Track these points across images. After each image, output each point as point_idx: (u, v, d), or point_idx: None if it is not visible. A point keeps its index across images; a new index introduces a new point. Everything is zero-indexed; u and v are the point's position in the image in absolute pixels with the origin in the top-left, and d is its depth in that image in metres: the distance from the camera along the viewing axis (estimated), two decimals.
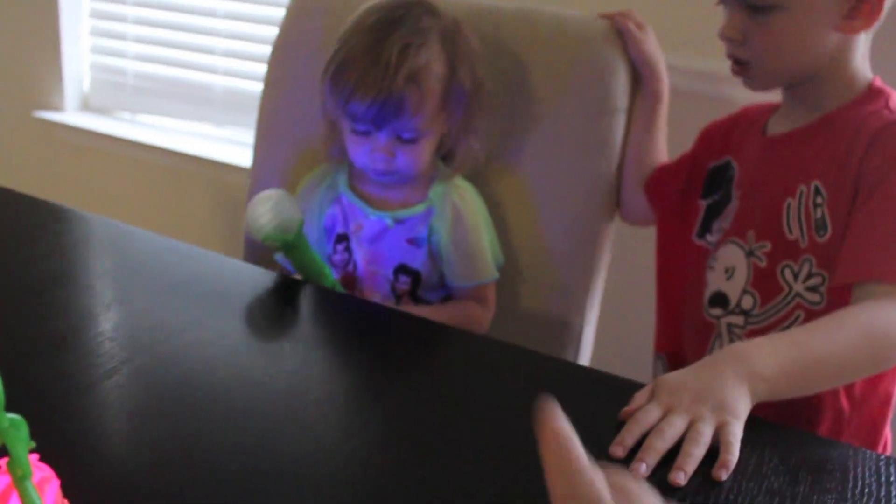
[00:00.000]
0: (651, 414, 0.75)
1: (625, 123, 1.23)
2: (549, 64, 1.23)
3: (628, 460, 0.71)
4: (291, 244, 1.06)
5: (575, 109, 1.22)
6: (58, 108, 2.36)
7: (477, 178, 1.23)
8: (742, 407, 0.76)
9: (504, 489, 0.67)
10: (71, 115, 2.36)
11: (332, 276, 1.12)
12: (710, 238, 1.11)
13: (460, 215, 1.18)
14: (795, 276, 0.99)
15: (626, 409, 0.78)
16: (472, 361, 0.91)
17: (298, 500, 0.65)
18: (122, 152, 2.26)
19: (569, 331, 1.24)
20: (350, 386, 0.85)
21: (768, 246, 1.02)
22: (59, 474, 0.50)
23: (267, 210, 1.05)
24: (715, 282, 1.08)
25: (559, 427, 0.40)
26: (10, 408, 0.43)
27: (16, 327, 0.88)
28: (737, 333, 1.04)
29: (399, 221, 1.17)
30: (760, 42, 1.00)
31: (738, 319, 1.04)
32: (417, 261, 1.17)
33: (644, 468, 0.70)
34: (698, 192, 1.15)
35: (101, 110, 2.38)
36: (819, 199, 0.98)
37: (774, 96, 1.10)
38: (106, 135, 2.27)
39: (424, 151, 1.13)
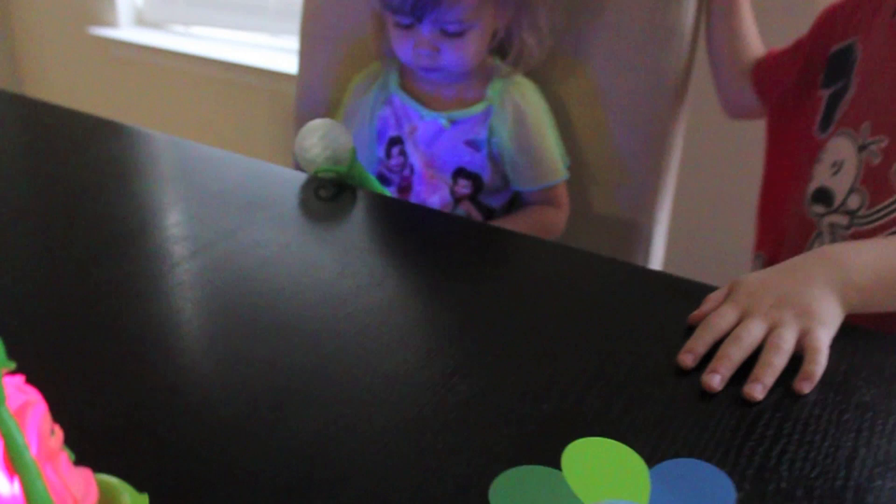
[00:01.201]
0: (726, 318, 0.67)
1: (695, 10, 1.13)
2: None
3: (699, 370, 0.64)
4: (346, 174, 0.99)
5: None
6: (112, 23, 2.32)
7: (538, 76, 1.15)
8: (830, 315, 0.67)
9: (572, 396, 0.61)
10: (125, 31, 2.32)
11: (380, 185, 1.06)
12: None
13: (522, 114, 1.10)
14: None
15: (697, 311, 0.70)
16: (531, 268, 0.84)
17: (340, 410, 0.60)
18: (177, 66, 2.22)
19: (637, 232, 1.16)
20: (408, 294, 0.79)
21: (885, 141, 0.90)
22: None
23: (317, 141, 0.98)
24: (820, 176, 0.97)
25: None
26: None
27: (72, 231, 0.86)
28: (840, 235, 0.93)
29: (455, 122, 1.10)
30: None
31: (843, 219, 0.93)
32: (477, 163, 1.11)
33: (717, 380, 0.62)
34: (818, 81, 1.03)
35: (154, 24, 2.33)
36: None
37: None
38: (160, 49, 2.23)
39: (471, 46, 1.05)
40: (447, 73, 1.07)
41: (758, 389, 0.61)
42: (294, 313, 0.72)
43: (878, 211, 0.90)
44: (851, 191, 0.92)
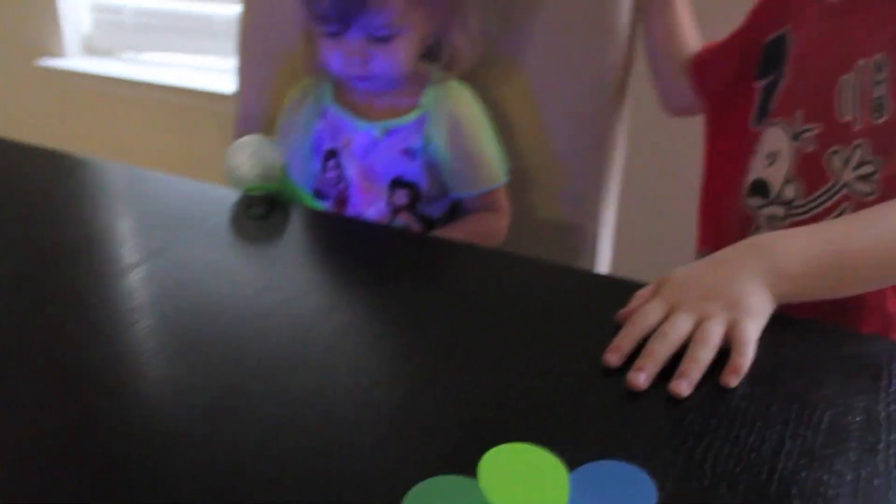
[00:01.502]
0: (652, 313, 0.66)
1: (631, 7, 1.12)
2: None
3: (626, 369, 0.62)
4: (277, 191, 0.98)
5: None
6: (59, 53, 2.30)
7: (472, 80, 1.13)
8: (759, 305, 0.66)
9: (495, 403, 0.60)
10: (73, 60, 2.29)
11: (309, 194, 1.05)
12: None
13: (457, 120, 1.09)
14: (845, 163, 0.86)
15: (625, 309, 0.69)
16: (474, 273, 0.82)
17: (302, 433, 0.58)
18: (126, 92, 2.19)
19: (582, 237, 1.15)
20: (338, 304, 0.77)
21: (818, 128, 0.89)
22: None
23: (246, 159, 0.96)
24: (756, 168, 0.96)
25: None
26: None
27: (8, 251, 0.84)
28: (778, 226, 0.92)
29: (390, 131, 1.08)
30: None
31: (779, 210, 0.92)
32: (414, 172, 1.09)
33: (643, 378, 0.60)
34: (752, 72, 1.01)
35: (103, 52, 2.31)
36: (880, 76, 0.83)
37: None
38: (109, 77, 2.20)
39: (401, 51, 1.03)
40: (379, 80, 1.06)
41: (683, 386, 0.60)
42: (219, 329, 0.70)
43: (814, 200, 0.89)
44: (787, 181, 0.91)
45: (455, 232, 1.09)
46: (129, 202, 1.00)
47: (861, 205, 0.84)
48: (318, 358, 0.67)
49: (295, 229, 0.95)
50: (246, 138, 0.99)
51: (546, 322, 0.71)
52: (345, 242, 0.91)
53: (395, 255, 0.87)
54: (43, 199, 0.99)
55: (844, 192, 0.86)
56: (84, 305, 0.75)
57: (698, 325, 0.64)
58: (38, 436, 0.58)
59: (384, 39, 1.02)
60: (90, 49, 2.32)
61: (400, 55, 1.04)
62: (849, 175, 0.86)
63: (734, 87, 1.04)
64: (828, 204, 0.87)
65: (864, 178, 0.85)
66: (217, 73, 2.12)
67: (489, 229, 1.12)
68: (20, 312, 0.74)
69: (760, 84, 1.00)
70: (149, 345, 0.69)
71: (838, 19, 0.90)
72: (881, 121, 0.83)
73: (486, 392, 0.61)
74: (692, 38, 1.12)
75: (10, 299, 0.77)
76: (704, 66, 1.09)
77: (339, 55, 1.03)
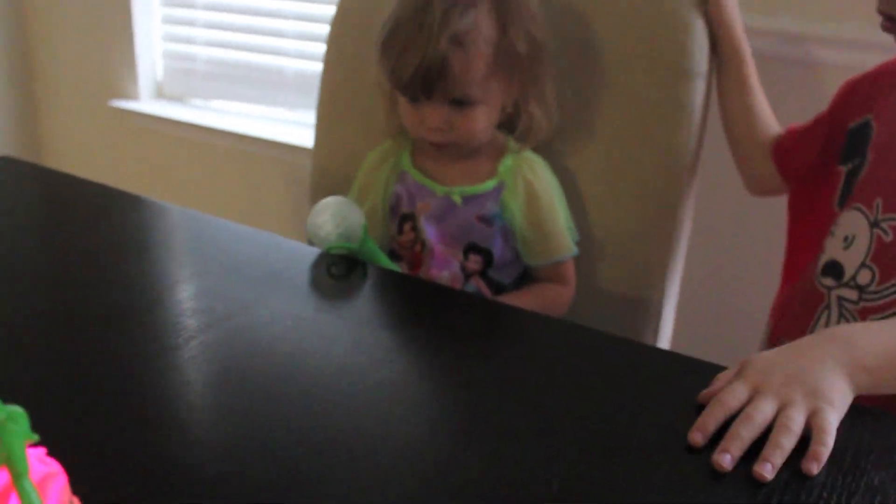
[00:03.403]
0: (736, 395, 0.68)
1: (705, 88, 1.15)
2: (619, 25, 1.16)
3: (709, 449, 0.64)
4: (358, 251, 1.01)
5: (648, 73, 1.15)
6: (132, 96, 2.37)
7: (546, 151, 1.17)
8: (839, 395, 0.68)
9: (578, 474, 0.62)
10: (145, 104, 2.36)
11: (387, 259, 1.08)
12: None
13: (533, 190, 1.12)
14: None
15: (708, 390, 0.71)
16: (539, 345, 0.85)
17: (350, 484, 0.60)
18: (194, 138, 2.26)
19: (647, 309, 1.17)
20: (410, 370, 0.80)
21: None
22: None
23: (328, 219, 1.01)
24: (832, 249, 0.98)
25: None
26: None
27: (87, 301, 0.88)
28: (848, 309, 0.94)
29: (467, 198, 1.11)
30: None
31: (852, 294, 0.94)
32: (489, 239, 1.12)
33: (728, 460, 0.63)
34: (837, 157, 1.04)
35: (174, 97, 2.38)
36: None
37: None
38: (179, 121, 2.27)
39: (480, 120, 1.07)
40: (458, 148, 1.09)
41: (767, 469, 0.62)
42: (306, 388, 0.73)
43: (888, 288, 0.90)
44: (862, 266, 0.93)
45: (520, 299, 1.11)
46: (205, 253, 1.03)
47: None
48: (402, 423, 0.69)
49: (373, 290, 0.98)
50: (329, 199, 1.03)
51: (621, 396, 0.73)
52: (420, 305, 0.94)
53: (465, 320, 0.90)
54: (125, 245, 1.04)
55: None
56: (166, 362, 0.77)
57: (780, 411, 0.66)
58: (119, 491, 0.61)
59: (464, 107, 1.05)
60: (161, 94, 2.40)
61: (479, 123, 1.07)
62: None
63: (818, 170, 1.07)
64: None
65: None
66: (284, 124, 2.18)
67: (554, 299, 1.14)
68: (98, 362, 0.77)
69: (844, 168, 1.02)
70: (233, 404, 0.72)
71: None
72: None
73: (568, 462, 0.63)
74: (770, 118, 1.15)
75: (99, 352, 0.80)
76: (789, 150, 1.12)
77: (419, 122, 1.07)
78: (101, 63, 2.40)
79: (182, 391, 0.73)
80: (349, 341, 0.82)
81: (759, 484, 0.61)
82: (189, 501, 0.59)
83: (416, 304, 0.94)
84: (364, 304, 0.94)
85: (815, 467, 0.63)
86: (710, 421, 0.66)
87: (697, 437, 0.65)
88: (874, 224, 0.93)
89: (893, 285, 0.90)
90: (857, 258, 0.94)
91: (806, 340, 0.73)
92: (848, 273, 0.95)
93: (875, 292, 0.92)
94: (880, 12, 0.94)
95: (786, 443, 0.63)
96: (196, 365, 0.77)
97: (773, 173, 1.14)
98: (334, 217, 1.01)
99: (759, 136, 1.14)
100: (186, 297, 0.90)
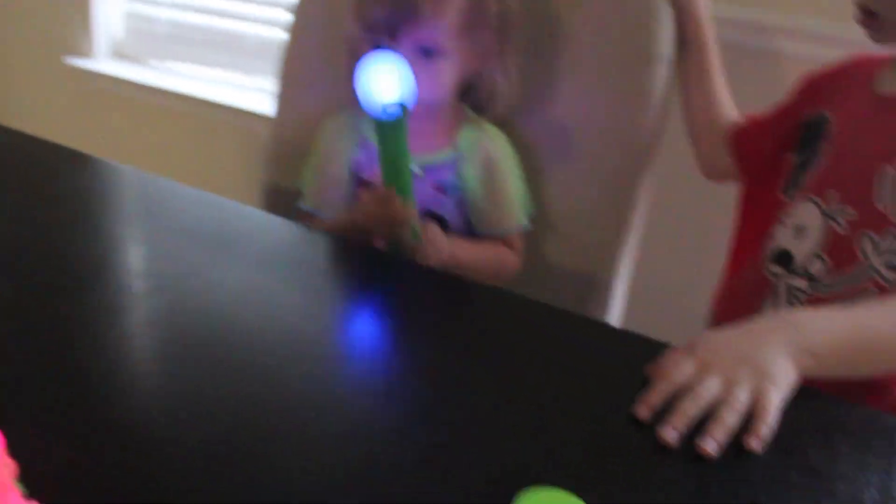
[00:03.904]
0: (683, 371, 0.69)
1: (668, 74, 1.16)
2: (588, 7, 1.16)
3: (655, 424, 0.65)
4: (401, 120, 0.97)
5: (613, 55, 1.15)
6: (88, 54, 2.33)
7: (506, 126, 1.17)
8: (784, 377, 0.69)
9: (525, 447, 0.62)
10: (101, 63, 2.32)
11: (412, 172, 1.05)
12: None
13: (492, 161, 1.12)
14: (876, 249, 0.90)
15: (656, 365, 0.72)
16: (492, 316, 0.85)
17: (296, 452, 0.60)
18: (151, 100, 2.22)
19: (597, 287, 1.18)
20: (360, 338, 0.80)
21: (852, 212, 0.92)
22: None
23: (393, 76, 0.97)
24: (781, 237, 1.00)
25: None
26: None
27: (35, 263, 0.86)
28: (798, 297, 0.96)
29: (427, 168, 1.11)
30: None
31: (802, 283, 0.96)
32: (445, 207, 1.12)
33: (673, 434, 0.64)
34: (789, 147, 1.06)
35: (131, 58, 2.34)
36: None
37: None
38: (135, 82, 2.23)
39: (444, 75, 1.07)
40: (420, 103, 1.08)
41: (711, 445, 0.63)
42: (254, 354, 0.73)
43: (840, 280, 0.92)
44: (814, 256, 0.95)
45: (474, 246, 1.12)
46: (157, 216, 1.02)
47: (885, 291, 0.88)
48: (350, 393, 0.69)
49: (326, 258, 0.97)
50: (384, 54, 1.00)
51: (571, 372, 0.74)
52: (374, 275, 0.93)
53: (416, 290, 0.90)
54: (76, 206, 1.02)
55: (871, 276, 0.90)
56: (113, 324, 0.77)
57: (727, 389, 0.67)
58: (59, 453, 0.60)
59: (430, 56, 1.05)
60: (119, 54, 2.35)
61: (443, 78, 1.07)
62: (877, 260, 0.89)
63: (771, 159, 1.08)
64: (853, 285, 0.91)
65: (894, 267, 0.88)
66: (243, 90, 2.16)
67: (503, 261, 1.15)
68: (43, 324, 0.76)
69: (795, 157, 1.04)
70: (179, 367, 0.71)
71: (889, 112, 0.94)
72: None
73: (514, 436, 0.64)
74: (729, 107, 1.17)
75: (45, 314, 0.79)
76: (745, 138, 1.13)
77: None
78: (57, 19, 2.35)
79: (127, 355, 0.72)
80: (299, 309, 0.82)
81: (702, 459, 0.62)
82: (130, 466, 0.58)
83: (369, 273, 0.94)
84: (316, 272, 0.94)
85: (755, 443, 0.64)
86: (655, 395, 0.67)
87: (643, 410, 0.66)
88: (827, 215, 0.94)
89: (844, 277, 0.92)
90: (807, 248, 0.96)
91: (757, 322, 0.75)
92: (798, 262, 0.96)
93: (826, 284, 0.93)
94: (857, 4, 0.95)
95: (730, 420, 0.65)
96: (142, 329, 0.76)
97: (728, 160, 1.15)
98: (398, 75, 0.97)
99: (717, 122, 1.16)
100: (136, 258, 0.89)
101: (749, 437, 0.64)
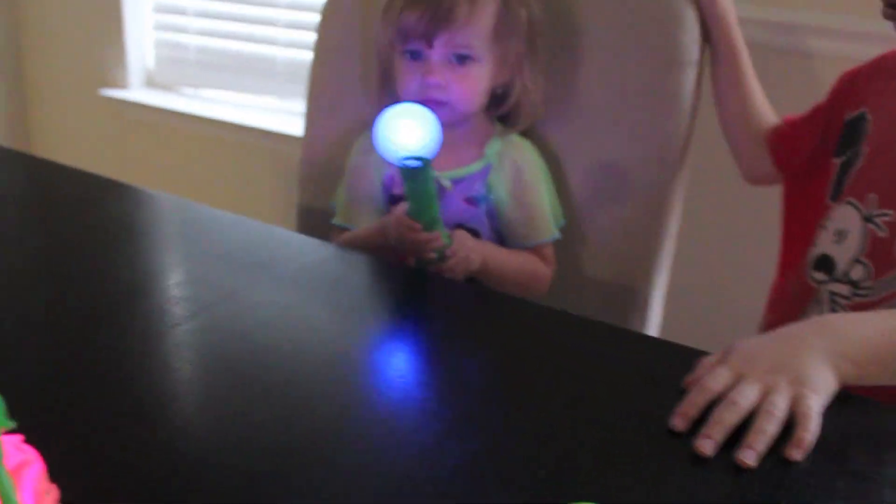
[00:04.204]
0: (719, 380, 0.68)
1: (695, 78, 1.15)
2: (610, 14, 1.16)
3: (692, 433, 0.64)
4: (426, 167, 0.97)
5: (639, 62, 1.15)
6: (123, 85, 2.37)
7: (535, 138, 1.17)
8: (823, 383, 0.68)
9: (565, 460, 0.62)
10: (136, 92, 2.36)
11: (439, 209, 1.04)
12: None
13: (520, 172, 1.12)
14: None
15: (692, 375, 0.71)
16: (528, 332, 0.85)
17: (336, 472, 0.60)
18: (185, 127, 2.25)
19: (633, 298, 1.17)
20: (398, 358, 0.80)
21: (891, 215, 0.90)
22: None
23: (415, 126, 0.97)
24: (823, 243, 0.98)
25: None
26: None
27: (74, 290, 0.87)
28: (840, 304, 0.94)
29: (456, 181, 1.11)
30: None
31: (844, 289, 0.94)
32: (476, 219, 1.12)
33: (710, 445, 0.63)
34: (832, 148, 1.03)
35: (164, 86, 2.38)
36: None
37: None
38: (169, 110, 2.26)
39: (476, 82, 1.07)
40: (453, 111, 1.08)
41: (750, 456, 0.62)
42: (292, 376, 0.73)
43: (881, 284, 0.90)
44: (855, 261, 0.93)
45: (509, 255, 1.12)
46: (193, 241, 1.03)
47: None
48: (388, 411, 0.69)
49: (362, 278, 0.98)
50: (407, 105, 0.99)
51: (607, 382, 0.74)
52: (410, 292, 0.94)
53: (454, 307, 0.90)
54: (113, 233, 1.03)
55: None
56: (151, 349, 0.77)
57: (764, 397, 0.66)
58: (101, 478, 0.61)
59: (464, 62, 1.05)
60: (152, 83, 2.39)
61: (476, 85, 1.07)
62: None
63: (813, 161, 1.06)
64: (895, 291, 0.89)
65: None
66: (275, 114, 2.18)
67: (536, 272, 1.14)
68: (83, 350, 0.77)
69: (838, 161, 1.02)
70: (218, 390, 0.72)
71: None
72: None
73: (555, 449, 0.63)
74: (766, 109, 1.15)
75: (84, 339, 0.80)
76: (785, 141, 1.11)
77: (416, 79, 1.06)
78: (91, 52, 2.40)
79: (166, 379, 0.73)
80: (336, 330, 0.82)
81: (741, 470, 0.61)
82: (171, 489, 0.58)
83: (404, 292, 0.94)
84: (352, 292, 0.94)
85: (797, 453, 0.63)
86: (691, 405, 0.66)
87: (679, 421, 0.65)
88: (867, 219, 0.93)
89: (886, 282, 0.90)
90: (849, 253, 0.94)
91: (793, 328, 0.73)
92: (840, 268, 0.95)
93: (868, 288, 0.91)
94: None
95: (769, 429, 0.63)
96: (181, 353, 0.76)
97: (769, 164, 1.13)
98: (421, 125, 0.97)
99: (755, 126, 1.14)
100: (173, 284, 0.90)
101: (790, 448, 0.63)
